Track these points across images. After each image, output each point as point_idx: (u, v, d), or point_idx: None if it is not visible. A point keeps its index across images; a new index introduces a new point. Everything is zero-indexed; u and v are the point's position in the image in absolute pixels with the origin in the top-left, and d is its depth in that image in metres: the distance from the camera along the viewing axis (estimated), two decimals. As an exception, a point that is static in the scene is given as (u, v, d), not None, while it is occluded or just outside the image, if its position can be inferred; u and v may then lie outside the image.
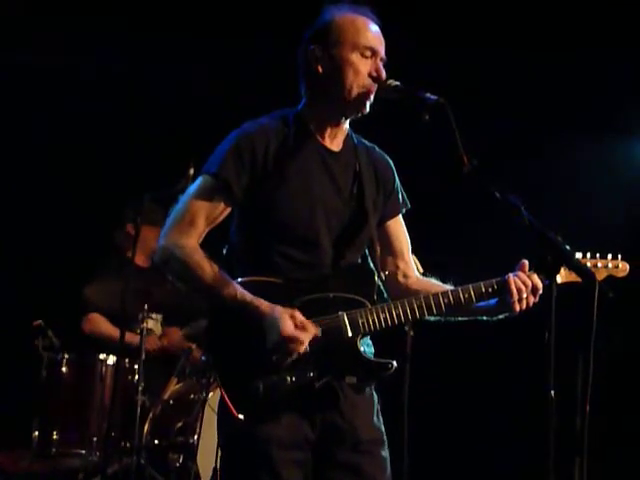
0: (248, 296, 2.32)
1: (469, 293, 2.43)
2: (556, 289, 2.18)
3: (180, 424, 4.34)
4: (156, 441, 4.35)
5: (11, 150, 5.36)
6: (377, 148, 2.62)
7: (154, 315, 4.73)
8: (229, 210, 2.43)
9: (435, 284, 2.56)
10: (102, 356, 4.54)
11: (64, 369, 4.51)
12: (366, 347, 2.44)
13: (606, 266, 2.62)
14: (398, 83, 2.43)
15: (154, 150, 5.34)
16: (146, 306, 4.40)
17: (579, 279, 2.43)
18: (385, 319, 2.39)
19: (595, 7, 4.87)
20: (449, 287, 2.50)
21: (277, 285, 2.38)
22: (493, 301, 2.47)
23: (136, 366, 4.43)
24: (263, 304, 2.31)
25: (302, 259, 2.41)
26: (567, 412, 2.25)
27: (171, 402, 4.45)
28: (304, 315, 2.33)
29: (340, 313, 2.37)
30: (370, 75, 2.41)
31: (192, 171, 3.80)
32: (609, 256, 2.64)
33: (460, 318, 2.55)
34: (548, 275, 2.24)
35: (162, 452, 4.32)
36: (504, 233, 3.12)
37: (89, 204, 5.36)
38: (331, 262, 2.44)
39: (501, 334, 3.84)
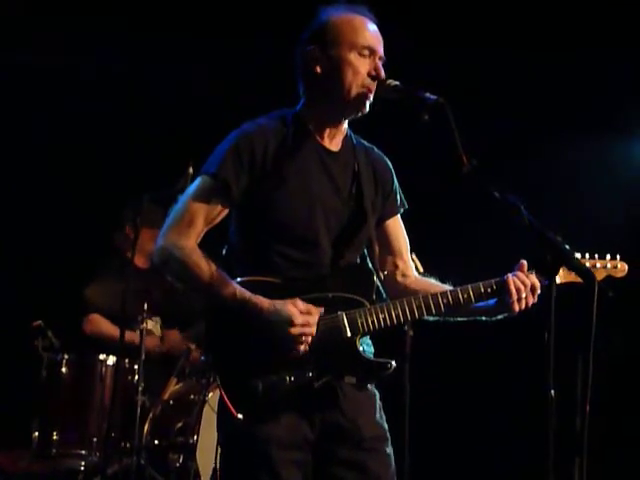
0: (247, 294, 2.33)
1: (468, 293, 2.43)
2: (556, 289, 2.18)
3: (180, 424, 4.34)
4: (156, 441, 4.35)
5: (11, 150, 5.36)
6: (376, 149, 2.62)
7: (153, 318, 4.74)
8: (228, 210, 2.43)
9: (434, 284, 2.56)
10: (102, 356, 4.54)
11: (64, 369, 4.51)
12: (366, 347, 2.45)
13: (605, 266, 2.62)
14: (397, 83, 2.43)
15: (154, 150, 5.34)
16: (145, 306, 4.40)
17: (579, 279, 2.43)
18: (384, 319, 2.39)
19: (595, 7, 4.87)
20: (448, 287, 2.50)
21: (276, 285, 2.38)
22: (492, 301, 2.47)
23: (136, 366, 4.43)
24: (263, 301, 2.32)
25: (301, 259, 2.41)
26: (567, 412, 2.26)
27: (171, 402, 4.45)
28: None
29: (339, 313, 2.37)
30: (369, 74, 2.41)
31: (191, 171, 3.81)
32: (608, 256, 2.64)
33: (459, 318, 2.55)
34: (548, 275, 2.24)
35: (162, 452, 4.32)
36: (504, 233, 3.13)
37: (89, 204, 5.36)
38: (330, 262, 2.44)
39: (501, 334, 3.85)
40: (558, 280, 2.33)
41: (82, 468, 4.41)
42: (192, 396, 4.39)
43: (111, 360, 4.53)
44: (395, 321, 2.40)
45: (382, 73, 2.42)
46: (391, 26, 2.55)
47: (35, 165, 5.40)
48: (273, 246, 2.41)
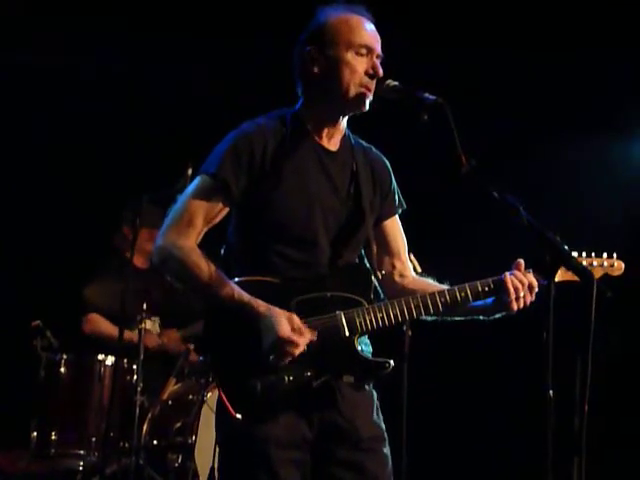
0: (245, 296, 2.32)
1: (466, 292, 2.43)
2: (554, 289, 2.18)
3: (179, 424, 4.34)
4: (155, 441, 4.35)
5: (11, 150, 5.36)
6: (374, 149, 2.62)
7: (152, 318, 4.74)
8: (227, 210, 2.43)
9: (431, 284, 2.56)
10: (101, 356, 4.54)
11: (62, 369, 4.51)
12: (364, 346, 2.45)
13: (602, 265, 2.63)
14: (397, 83, 2.43)
15: (154, 150, 5.34)
16: (145, 306, 4.40)
17: (577, 279, 2.43)
18: (382, 318, 2.39)
19: (594, 7, 4.87)
20: (445, 287, 2.50)
21: (274, 284, 2.38)
22: (490, 300, 2.47)
23: (135, 366, 4.43)
24: (260, 305, 2.31)
25: (299, 258, 2.41)
26: (565, 412, 2.25)
27: (170, 402, 4.45)
28: (301, 314, 2.33)
29: (337, 312, 2.37)
30: (367, 73, 2.41)
31: (190, 171, 3.81)
32: (604, 255, 2.65)
33: (457, 318, 2.56)
34: (546, 275, 2.24)
35: (161, 452, 4.33)
36: (503, 233, 3.13)
37: (89, 204, 5.37)
38: (328, 261, 2.44)
39: (499, 334, 3.85)
40: (556, 279, 2.32)
41: (81, 468, 4.42)
42: (191, 396, 4.39)
43: (110, 360, 4.53)
44: (393, 320, 2.40)
45: (380, 71, 2.42)
46: (390, 26, 2.55)
47: (35, 165, 5.41)
48: (272, 246, 2.41)
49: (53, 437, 4.41)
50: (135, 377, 4.39)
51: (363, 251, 2.57)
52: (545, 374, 2.10)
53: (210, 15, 5.08)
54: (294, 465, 2.35)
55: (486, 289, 2.44)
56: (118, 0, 5.06)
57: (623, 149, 5.71)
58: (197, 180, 2.43)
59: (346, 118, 2.52)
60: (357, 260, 2.54)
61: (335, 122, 2.49)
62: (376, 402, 2.49)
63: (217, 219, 2.43)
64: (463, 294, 2.43)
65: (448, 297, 2.43)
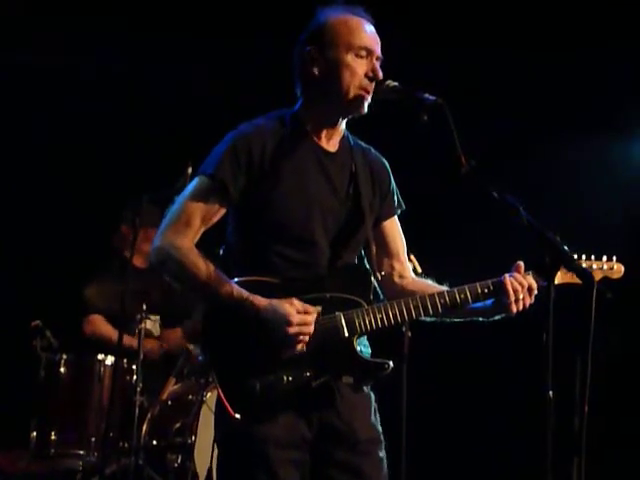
0: (244, 293, 2.32)
1: (465, 294, 2.43)
2: (554, 290, 2.18)
3: (178, 424, 4.34)
4: (154, 441, 4.35)
5: (11, 150, 5.36)
6: (373, 150, 2.62)
7: (152, 316, 4.73)
8: (224, 211, 2.43)
9: (431, 285, 2.56)
10: (100, 356, 4.54)
11: (62, 369, 4.51)
12: (363, 347, 2.44)
13: (601, 267, 2.63)
14: (396, 84, 2.43)
15: (154, 150, 5.34)
16: (144, 307, 4.40)
17: (577, 280, 2.43)
18: (382, 319, 2.39)
19: (594, 7, 4.86)
20: (445, 288, 2.50)
21: (273, 285, 2.38)
22: (489, 302, 2.47)
23: (134, 366, 4.43)
24: (261, 301, 2.31)
25: (299, 259, 2.41)
26: (565, 413, 2.25)
27: (169, 402, 4.45)
28: None
29: (337, 313, 2.37)
30: (366, 75, 2.41)
31: (190, 171, 3.81)
32: (604, 258, 2.65)
33: (456, 319, 2.55)
34: (546, 276, 2.24)
35: (160, 452, 4.32)
36: (503, 234, 3.13)
37: (89, 204, 5.36)
38: (327, 262, 2.44)
39: (499, 335, 3.84)
40: (556, 281, 2.32)
41: (80, 468, 4.42)
42: (190, 396, 4.39)
43: (109, 360, 4.53)
44: (392, 321, 2.40)
45: (379, 74, 2.42)
46: (389, 26, 2.55)
47: (35, 165, 5.41)
48: (271, 246, 2.41)
49: (53, 437, 4.41)
50: (135, 377, 4.38)
51: (362, 252, 2.56)
52: (545, 375, 2.10)
53: (210, 15, 5.08)
54: (293, 465, 2.34)
55: (485, 291, 2.44)
56: (118, 0, 5.06)
57: (623, 149, 5.71)
58: (195, 181, 2.43)
59: (345, 120, 2.51)
60: (356, 261, 2.54)
61: (334, 123, 2.49)
62: (374, 404, 2.49)
63: (215, 219, 2.43)
64: (462, 296, 2.43)
65: (447, 298, 2.43)
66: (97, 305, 4.77)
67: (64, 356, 4.51)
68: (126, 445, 4.34)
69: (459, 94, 3.14)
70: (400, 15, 4.58)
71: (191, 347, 4.44)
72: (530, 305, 2.44)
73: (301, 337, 2.29)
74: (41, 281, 5.32)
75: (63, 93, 5.31)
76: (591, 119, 5.34)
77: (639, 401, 5.39)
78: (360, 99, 2.42)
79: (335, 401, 2.38)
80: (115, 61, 5.32)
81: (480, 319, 2.54)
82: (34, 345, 4.48)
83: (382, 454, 2.46)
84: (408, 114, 2.32)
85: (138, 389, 4.27)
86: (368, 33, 2.44)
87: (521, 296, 2.42)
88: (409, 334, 3.72)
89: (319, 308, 2.34)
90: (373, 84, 2.41)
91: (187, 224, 2.38)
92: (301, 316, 2.29)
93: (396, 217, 2.63)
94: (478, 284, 2.44)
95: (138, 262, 4.55)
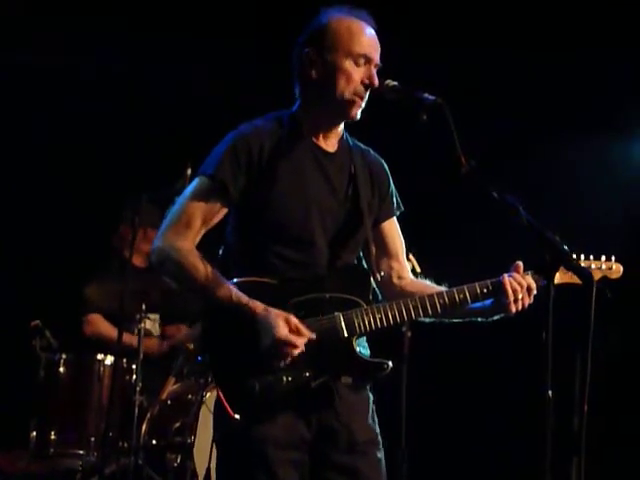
0: (243, 298, 2.32)
1: (464, 294, 2.43)
2: (554, 290, 2.18)
3: (178, 424, 4.34)
4: (154, 441, 4.35)
5: (11, 150, 5.36)
6: (372, 151, 2.62)
7: (151, 316, 4.73)
8: (225, 211, 2.43)
9: (429, 285, 2.56)
10: (100, 356, 4.54)
11: (62, 369, 4.51)
12: (362, 349, 2.44)
13: (600, 267, 2.63)
14: (396, 83, 2.43)
15: (153, 150, 5.34)
16: (144, 306, 4.40)
17: (576, 280, 2.43)
18: (381, 319, 2.38)
19: (594, 7, 4.86)
20: (444, 288, 2.49)
21: (272, 285, 2.38)
22: (488, 302, 2.47)
23: (134, 366, 4.43)
24: (258, 306, 2.31)
25: (297, 259, 2.41)
26: (565, 412, 2.25)
27: (169, 402, 4.45)
28: (300, 315, 2.33)
29: (336, 313, 2.37)
30: (362, 82, 2.41)
31: (190, 171, 3.81)
32: (603, 257, 2.65)
33: (455, 320, 2.55)
34: (546, 275, 2.24)
35: (160, 452, 4.32)
36: (502, 233, 3.12)
37: (89, 204, 5.37)
38: (327, 262, 2.44)
39: (499, 334, 3.84)
40: (556, 281, 2.32)
41: (80, 468, 4.42)
42: (190, 396, 4.39)
43: (109, 360, 4.53)
44: (392, 322, 2.39)
45: (375, 81, 2.41)
46: (389, 26, 2.54)
47: (35, 165, 5.40)
48: (270, 246, 2.41)
49: (52, 437, 4.41)
50: (134, 377, 4.38)
51: (361, 253, 2.56)
52: (544, 374, 2.10)
53: (210, 15, 5.08)
54: (292, 465, 2.34)
55: (484, 291, 2.44)
56: (118, 0, 5.06)
57: (623, 149, 5.71)
58: (195, 182, 2.43)
59: (342, 122, 2.51)
60: (355, 261, 2.54)
61: (331, 125, 2.50)
62: (372, 406, 2.49)
63: (215, 220, 2.42)
64: (462, 296, 2.43)
65: (447, 299, 2.42)
66: (97, 305, 4.77)
67: (64, 356, 4.52)
68: (126, 445, 4.34)
69: (459, 94, 3.13)
70: (400, 15, 4.58)
71: (191, 347, 4.44)
72: (529, 305, 2.44)
73: (284, 354, 2.28)
74: (41, 281, 5.32)
75: (63, 93, 5.31)
76: (591, 119, 5.34)
77: (639, 400, 5.39)
78: (353, 105, 2.42)
79: (334, 402, 2.38)
80: (115, 61, 5.32)
81: (479, 319, 2.53)
82: (34, 345, 4.48)
83: (380, 455, 2.45)
84: (408, 114, 2.32)
85: (138, 389, 4.27)
86: (368, 39, 2.43)
87: (520, 296, 2.41)
88: (409, 334, 3.73)
89: (314, 334, 2.32)
90: (368, 91, 2.42)
91: (187, 225, 2.38)
92: (289, 335, 2.28)
93: (395, 218, 2.63)
94: (477, 284, 2.44)
95: (137, 262, 4.55)
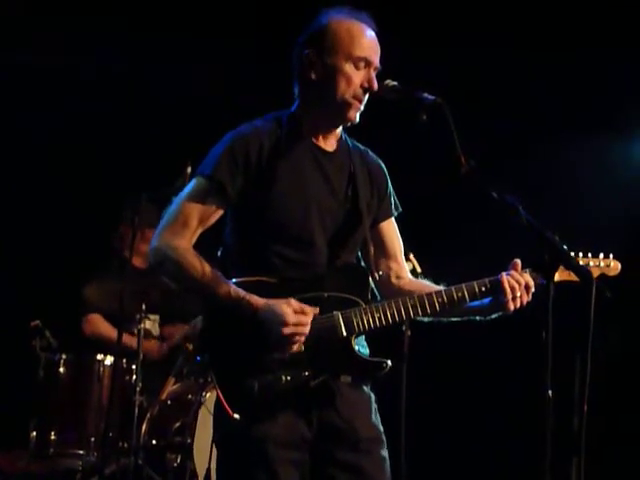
0: (242, 293, 2.33)
1: (462, 292, 2.43)
2: (553, 289, 2.18)
3: (178, 424, 4.34)
4: (154, 441, 4.35)
5: (11, 150, 5.36)
6: (370, 152, 2.62)
7: (151, 316, 4.73)
8: (222, 212, 2.43)
9: (428, 285, 2.56)
10: (100, 356, 4.54)
11: (62, 369, 4.51)
12: (361, 348, 2.44)
13: (598, 265, 2.64)
14: (396, 83, 2.44)
15: (154, 150, 5.34)
16: (143, 306, 4.40)
17: (576, 278, 2.42)
18: (379, 318, 2.39)
19: (594, 7, 4.87)
20: (442, 288, 2.49)
21: (271, 285, 2.38)
22: (487, 300, 2.47)
23: (134, 366, 4.43)
24: (258, 301, 2.32)
25: (297, 258, 2.41)
26: (565, 412, 2.25)
27: (169, 402, 4.44)
28: None
29: (335, 312, 2.37)
30: (362, 86, 2.41)
31: (189, 171, 3.81)
32: (601, 255, 2.65)
33: (454, 319, 2.55)
34: (545, 275, 2.24)
35: (160, 452, 4.32)
36: (502, 233, 3.12)
37: (89, 204, 5.37)
38: (326, 262, 2.44)
39: (498, 334, 3.84)
40: (555, 278, 2.32)
41: (80, 468, 4.42)
42: (190, 396, 4.38)
43: (109, 360, 4.53)
44: (390, 320, 2.40)
45: (375, 85, 2.42)
46: (390, 27, 2.54)
47: (35, 165, 5.41)
48: (269, 246, 2.41)
49: (52, 437, 4.41)
50: (134, 377, 4.38)
51: (360, 253, 2.56)
52: (544, 374, 2.10)
53: (210, 15, 5.08)
54: (293, 465, 2.34)
55: (483, 289, 2.44)
56: (118, 0, 5.06)
57: (623, 149, 5.71)
58: (193, 182, 2.43)
59: (340, 125, 2.52)
60: (354, 261, 2.54)
61: (330, 127, 2.50)
62: (374, 404, 2.49)
63: (212, 220, 2.42)
64: (460, 294, 2.43)
65: (445, 297, 2.42)
66: (96, 305, 4.77)
67: (63, 356, 4.51)
68: (125, 445, 4.34)
69: (459, 94, 3.13)
70: (400, 15, 4.58)
71: (191, 347, 4.44)
72: (527, 303, 2.44)
73: (297, 337, 2.29)
74: (41, 281, 5.32)
75: (63, 93, 5.31)
76: (591, 119, 5.34)
77: (639, 400, 5.39)
78: (351, 108, 2.42)
79: (335, 400, 2.38)
80: (115, 61, 5.32)
81: (477, 318, 2.54)
82: (33, 345, 4.48)
83: (384, 453, 2.45)
84: (407, 113, 2.32)
85: (137, 389, 4.26)
86: (369, 42, 2.43)
87: (518, 294, 2.41)
88: (409, 333, 3.72)
89: (317, 309, 2.33)
90: (367, 95, 2.42)
91: (184, 225, 2.38)
92: (297, 316, 2.29)
93: (393, 219, 2.63)
94: (475, 282, 2.44)
95: (137, 262, 4.55)
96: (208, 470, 3.88)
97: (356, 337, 2.40)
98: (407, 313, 2.41)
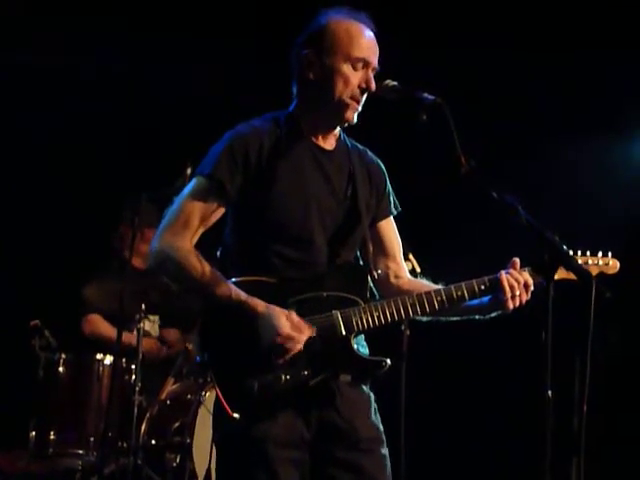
0: (243, 295, 2.33)
1: (462, 291, 2.43)
2: (553, 289, 2.18)
3: (177, 424, 4.34)
4: (153, 441, 4.35)
5: (11, 150, 5.36)
6: (369, 152, 2.63)
7: (151, 317, 4.74)
8: (223, 211, 2.43)
9: (426, 285, 2.56)
10: (99, 356, 4.54)
11: (61, 369, 4.51)
12: (360, 347, 2.44)
13: (597, 263, 2.64)
14: (395, 83, 2.44)
15: (154, 150, 5.34)
16: (143, 307, 4.40)
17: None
18: (378, 317, 2.39)
19: (594, 8, 4.87)
20: (441, 286, 2.49)
21: (271, 284, 2.38)
22: (486, 299, 2.47)
23: (133, 366, 4.42)
24: (258, 304, 2.32)
25: (296, 258, 2.41)
26: (564, 412, 2.25)
27: (168, 402, 4.45)
28: (298, 314, 2.34)
29: (334, 312, 2.37)
30: (359, 86, 2.42)
31: (189, 171, 3.81)
32: (600, 253, 2.66)
33: (453, 318, 2.56)
34: (545, 275, 2.24)
35: (159, 452, 4.32)
36: (502, 233, 3.12)
37: (88, 204, 5.37)
38: (326, 261, 2.44)
39: (498, 334, 3.84)
40: (556, 276, 2.32)
41: (79, 468, 4.42)
42: (189, 396, 4.39)
43: (108, 360, 4.53)
44: (389, 319, 2.40)
45: (373, 85, 2.42)
46: (389, 27, 2.54)
47: (35, 165, 5.40)
48: (269, 246, 2.41)
49: (52, 437, 4.40)
50: (134, 377, 4.38)
51: (359, 252, 2.56)
52: (544, 374, 2.10)
53: (210, 15, 5.08)
54: (293, 464, 2.34)
55: (482, 287, 2.44)
56: (118, 0, 5.06)
57: (623, 150, 5.71)
58: (193, 182, 2.44)
59: (338, 125, 2.52)
60: (353, 260, 2.54)
61: (328, 127, 2.50)
62: (374, 404, 2.49)
63: (213, 220, 2.42)
64: (459, 293, 2.43)
65: (444, 296, 2.43)
66: (96, 305, 4.77)
67: (63, 356, 4.51)
68: (125, 445, 4.34)
69: (459, 95, 3.13)
70: (399, 16, 4.58)
71: (190, 347, 4.44)
72: (526, 301, 2.44)
73: (287, 351, 2.29)
74: (40, 281, 5.32)
75: (63, 93, 5.31)
76: (591, 120, 5.34)
77: (638, 400, 5.39)
78: (349, 108, 2.42)
79: (334, 399, 2.38)
80: (115, 61, 5.32)
81: (477, 317, 2.54)
82: (33, 345, 4.48)
83: (385, 452, 2.45)
84: (407, 113, 2.32)
85: (137, 389, 4.26)
86: (367, 43, 2.43)
87: (517, 292, 2.41)
88: (408, 332, 3.72)
89: (314, 329, 2.33)
90: (364, 96, 2.43)
91: (185, 225, 2.38)
92: (292, 332, 2.29)
93: (392, 218, 2.63)
94: (474, 281, 2.44)
95: (137, 262, 4.55)
96: (208, 470, 3.87)
97: (355, 336, 2.40)
98: (406, 312, 2.41)
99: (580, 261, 2.60)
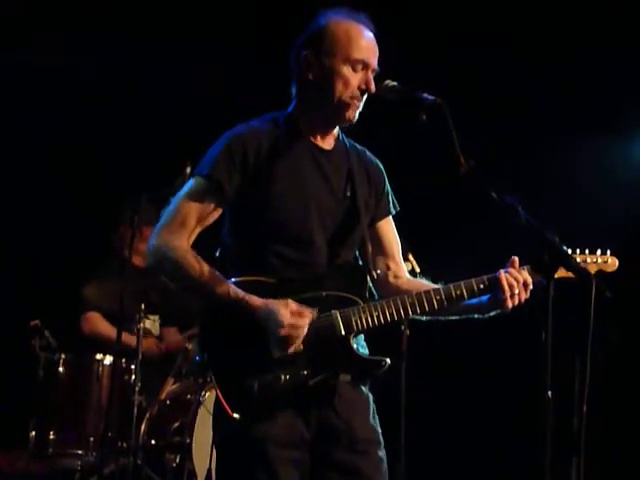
0: (240, 293, 2.33)
1: (461, 290, 2.43)
2: (553, 289, 2.18)
3: (177, 424, 4.34)
4: (153, 441, 4.35)
5: (11, 150, 5.36)
6: (368, 152, 2.63)
7: (151, 316, 4.74)
8: (220, 211, 2.43)
9: (425, 284, 2.56)
10: (99, 356, 4.54)
11: (61, 369, 4.51)
12: (360, 346, 2.44)
13: (595, 261, 2.63)
14: (395, 83, 2.44)
15: (154, 150, 5.34)
16: (143, 306, 4.40)
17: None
18: (378, 317, 2.39)
19: (593, 9, 4.87)
20: (440, 286, 2.49)
21: (270, 285, 2.38)
22: (485, 298, 2.47)
23: (133, 366, 4.43)
24: (256, 300, 2.32)
25: (296, 258, 2.41)
26: (564, 412, 2.25)
27: (168, 402, 4.45)
28: None
29: (333, 312, 2.37)
30: (359, 88, 2.42)
31: (189, 171, 3.81)
32: (598, 251, 2.65)
33: (452, 317, 2.55)
34: (545, 275, 2.24)
35: (159, 452, 4.32)
36: (502, 233, 3.12)
37: (88, 204, 5.37)
38: (325, 261, 2.44)
39: (498, 334, 3.84)
40: (556, 275, 2.32)
41: (79, 468, 4.42)
42: (189, 396, 4.39)
43: (108, 360, 4.53)
44: (389, 319, 2.40)
45: (372, 87, 2.42)
46: (388, 28, 2.54)
47: (35, 165, 5.41)
48: (268, 246, 2.41)
49: (51, 437, 4.41)
50: (133, 377, 4.38)
51: (358, 252, 2.56)
52: (544, 374, 2.10)
53: (210, 15, 5.08)
54: (293, 464, 2.34)
55: (481, 286, 2.44)
56: (118, 0, 5.06)
57: (623, 150, 5.71)
58: (191, 182, 2.44)
59: (337, 125, 2.52)
60: (352, 260, 2.54)
61: (327, 127, 2.50)
62: (372, 406, 2.49)
63: (210, 220, 2.43)
64: (458, 292, 2.43)
65: (443, 295, 2.43)
66: (96, 304, 4.77)
67: (63, 356, 4.52)
68: (124, 445, 4.34)
69: (458, 95, 3.13)
70: (398, 16, 4.58)
71: (190, 347, 4.44)
72: (525, 300, 2.44)
73: (293, 339, 2.29)
74: (40, 281, 5.32)
75: (63, 93, 5.31)
76: (591, 121, 5.35)
77: (638, 401, 5.39)
78: (349, 108, 2.42)
79: (333, 400, 2.38)
80: (115, 61, 5.32)
81: (476, 316, 2.53)
82: (33, 345, 4.49)
83: (382, 455, 2.45)
84: (407, 114, 2.32)
85: (137, 389, 4.27)
86: (367, 44, 2.43)
87: (516, 291, 2.41)
88: (407, 332, 3.72)
89: (315, 311, 2.33)
90: (364, 97, 2.43)
91: (182, 224, 2.38)
92: (294, 318, 2.29)
93: (391, 218, 2.63)
94: (473, 280, 2.44)
95: (137, 261, 4.55)
96: (209, 471, 3.87)
97: (355, 336, 2.40)
98: (406, 311, 2.41)
99: (579, 259, 2.59)
